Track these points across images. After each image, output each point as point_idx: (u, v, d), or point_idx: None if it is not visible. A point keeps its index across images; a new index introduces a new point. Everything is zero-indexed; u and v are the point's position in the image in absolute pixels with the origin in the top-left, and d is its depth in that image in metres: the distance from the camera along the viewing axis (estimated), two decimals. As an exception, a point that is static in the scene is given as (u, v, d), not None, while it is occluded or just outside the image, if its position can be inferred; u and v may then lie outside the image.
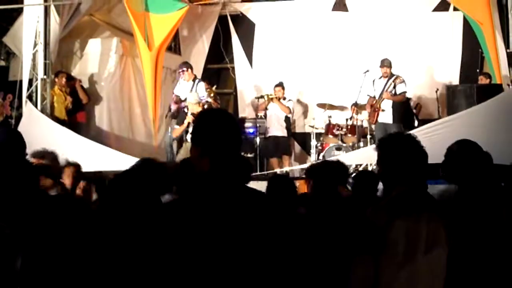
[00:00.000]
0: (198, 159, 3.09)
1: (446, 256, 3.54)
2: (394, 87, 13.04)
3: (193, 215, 2.97)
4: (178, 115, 13.28)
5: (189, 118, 12.18)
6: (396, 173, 3.70)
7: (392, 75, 13.23)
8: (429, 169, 3.78)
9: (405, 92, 13.08)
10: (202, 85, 13.45)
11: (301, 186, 8.52)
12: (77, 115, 13.83)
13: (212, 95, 13.81)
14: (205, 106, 12.59)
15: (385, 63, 13.30)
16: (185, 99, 13.07)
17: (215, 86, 14.80)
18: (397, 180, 3.69)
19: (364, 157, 11.66)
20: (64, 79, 13.55)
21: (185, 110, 12.75)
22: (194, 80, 13.50)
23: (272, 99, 14.06)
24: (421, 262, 3.47)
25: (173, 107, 13.34)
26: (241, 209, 3.01)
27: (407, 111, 13.47)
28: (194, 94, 12.77)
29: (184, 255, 2.90)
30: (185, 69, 13.49)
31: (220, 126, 3.11)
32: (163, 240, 2.98)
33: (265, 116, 14.23)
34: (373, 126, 13.31)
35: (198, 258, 2.89)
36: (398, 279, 3.46)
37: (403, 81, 13.06)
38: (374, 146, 12.08)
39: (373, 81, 13.37)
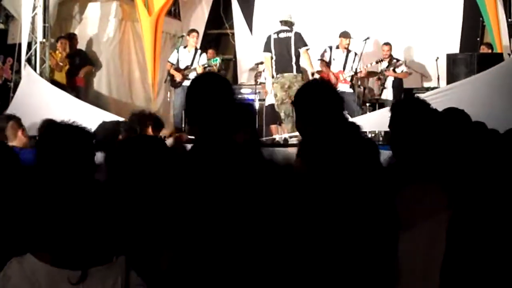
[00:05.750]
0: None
1: (446, 222, 3.53)
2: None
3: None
4: (182, 84, 13.21)
5: None
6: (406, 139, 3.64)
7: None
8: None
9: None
10: (204, 56, 13.46)
11: None
12: (77, 79, 13.81)
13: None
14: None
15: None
16: (186, 68, 13.10)
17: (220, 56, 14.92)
18: (406, 146, 3.64)
19: (363, 124, 11.64)
20: (66, 45, 13.55)
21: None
22: (196, 50, 13.50)
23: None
24: (423, 229, 3.47)
25: (178, 77, 13.24)
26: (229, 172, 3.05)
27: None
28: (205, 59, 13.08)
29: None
30: (196, 34, 13.57)
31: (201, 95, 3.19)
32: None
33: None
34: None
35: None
36: (402, 245, 3.46)
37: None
38: (371, 114, 12.17)
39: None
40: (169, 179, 3.28)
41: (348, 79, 13.17)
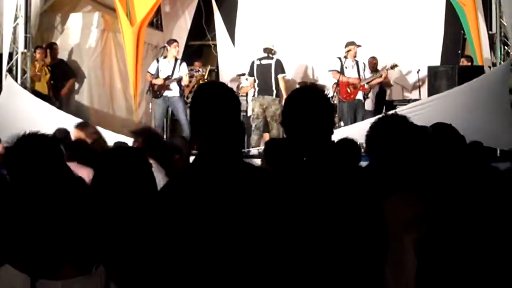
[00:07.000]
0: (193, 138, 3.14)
1: (422, 235, 3.53)
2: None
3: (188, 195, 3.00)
4: (163, 95, 13.10)
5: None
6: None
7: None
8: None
9: None
10: (184, 66, 13.34)
11: None
12: (59, 90, 13.77)
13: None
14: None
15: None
16: (168, 77, 13.02)
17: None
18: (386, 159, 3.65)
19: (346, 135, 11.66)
20: (43, 54, 13.46)
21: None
22: (176, 60, 13.38)
23: None
24: (406, 240, 3.47)
25: (158, 81, 13.11)
26: (236, 186, 3.00)
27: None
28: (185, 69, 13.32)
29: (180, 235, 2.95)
30: (176, 44, 13.51)
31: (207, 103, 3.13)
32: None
33: (247, 94, 14.19)
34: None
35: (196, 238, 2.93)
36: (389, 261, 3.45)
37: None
38: (353, 125, 12.19)
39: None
40: (152, 189, 3.26)
41: (366, 86, 13.27)
